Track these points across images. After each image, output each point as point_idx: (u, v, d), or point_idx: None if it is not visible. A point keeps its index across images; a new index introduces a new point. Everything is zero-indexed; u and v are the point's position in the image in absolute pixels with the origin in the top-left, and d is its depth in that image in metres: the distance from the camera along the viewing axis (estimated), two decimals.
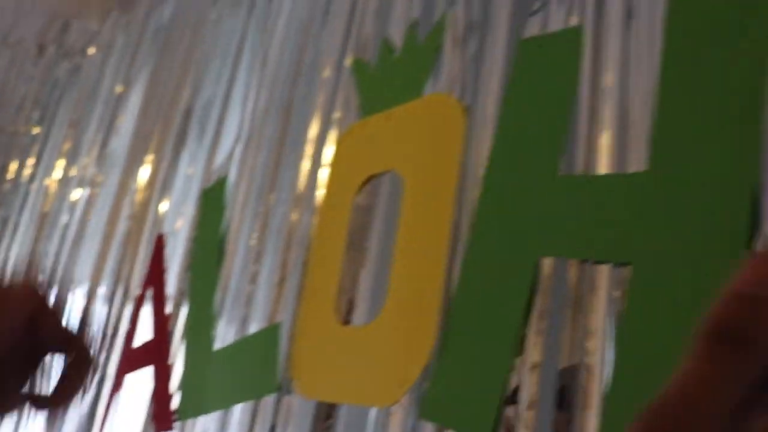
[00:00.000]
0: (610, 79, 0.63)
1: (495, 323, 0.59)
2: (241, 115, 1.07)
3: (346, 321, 0.74)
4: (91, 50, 1.88)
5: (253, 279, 0.89)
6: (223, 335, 0.88)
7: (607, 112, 0.62)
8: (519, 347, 0.58)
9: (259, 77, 1.06)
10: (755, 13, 0.51)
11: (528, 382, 0.57)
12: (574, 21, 0.67)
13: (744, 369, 0.20)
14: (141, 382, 1.00)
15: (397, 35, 0.84)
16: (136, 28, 1.71)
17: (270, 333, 0.81)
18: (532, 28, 0.70)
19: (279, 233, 0.88)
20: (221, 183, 1.02)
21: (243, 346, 0.85)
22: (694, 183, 0.50)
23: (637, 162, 0.57)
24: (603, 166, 0.60)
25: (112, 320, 1.16)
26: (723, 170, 0.49)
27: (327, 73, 0.91)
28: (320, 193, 0.84)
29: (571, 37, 0.63)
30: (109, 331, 1.15)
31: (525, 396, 0.57)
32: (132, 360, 1.05)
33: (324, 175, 0.84)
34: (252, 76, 1.09)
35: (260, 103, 1.04)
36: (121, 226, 1.26)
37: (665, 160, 0.52)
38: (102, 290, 1.25)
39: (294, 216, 0.87)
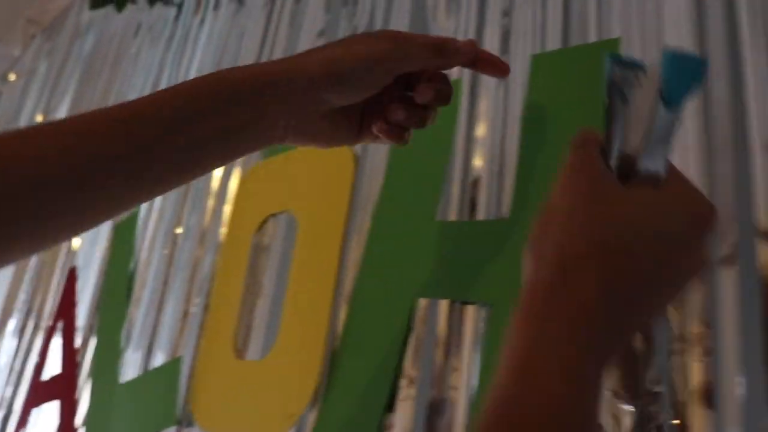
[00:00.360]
0: (482, 130, 0.68)
1: (376, 359, 0.63)
2: None
3: (243, 355, 0.77)
4: (12, 76, 1.86)
5: (159, 313, 0.91)
6: (129, 369, 0.90)
7: (479, 162, 0.67)
8: (397, 382, 0.62)
9: None
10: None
11: (402, 415, 0.61)
12: (454, 75, 0.73)
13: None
14: (47, 417, 1.00)
15: None
16: (59, 56, 1.71)
17: (171, 367, 0.83)
18: None
19: (185, 269, 0.90)
20: (132, 218, 1.04)
21: (146, 379, 0.87)
22: None
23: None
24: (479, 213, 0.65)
25: (21, 353, 1.16)
26: None
27: None
28: (224, 230, 0.87)
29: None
30: (18, 365, 1.14)
31: (398, 428, 0.61)
32: (39, 394, 1.05)
33: (227, 212, 0.87)
34: None
35: None
36: (34, 259, 1.26)
37: (523, 209, 0.57)
38: (12, 323, 1.24)
39: (199, 252, 0.89)
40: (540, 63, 0.60)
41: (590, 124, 0.40)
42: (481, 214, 0.62)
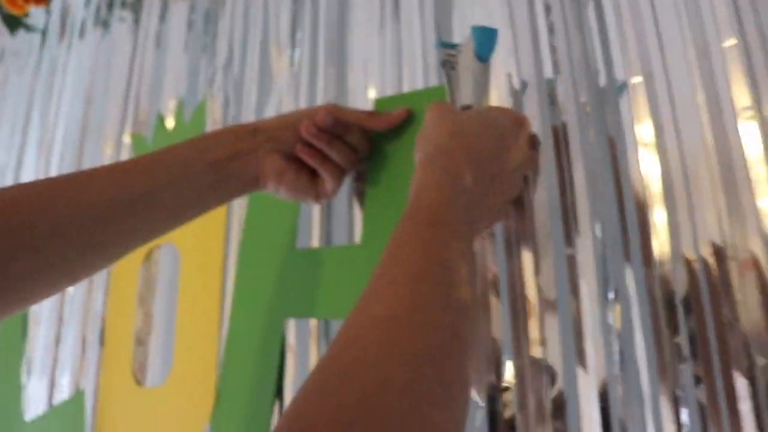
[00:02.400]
0: None
1: (258, 379, 0.69)
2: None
3: (143, 383, 0.81)
4: None
5: (57, 349, 0.93)
6: (32, 406, 0.92)
7: None
8: (277, 397, 0.68)
9: (48, 145, 1.10)
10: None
11: None
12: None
13: None
14: None
15: (169, 111, 0.92)
16: None
17: (75, 401, 0.87)
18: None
19: (78, 302, 0.93)
20: None
21: (51, 416, 0.90)
22: None
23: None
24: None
25: None
26: None
27: (109, 150, 0.97)
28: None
29: None
30: None
31: None
32: None
33: None
34: (42, 146, 1.12)
35: (51, 171, 1.07)
36: None
37: (373, 236, 0.65)
38: None
39: (90, 285, 0.92)
40: (382, 105, 0.67)
41: None
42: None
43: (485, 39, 0.55)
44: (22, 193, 0.48)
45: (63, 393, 0.91)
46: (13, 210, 0.46)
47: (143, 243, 0.55)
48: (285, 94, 0.80)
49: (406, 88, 0.70)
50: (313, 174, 0.61)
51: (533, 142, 0.57)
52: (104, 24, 1.11)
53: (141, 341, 0.83)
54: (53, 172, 1.07)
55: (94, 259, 0.51)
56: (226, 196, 0.59)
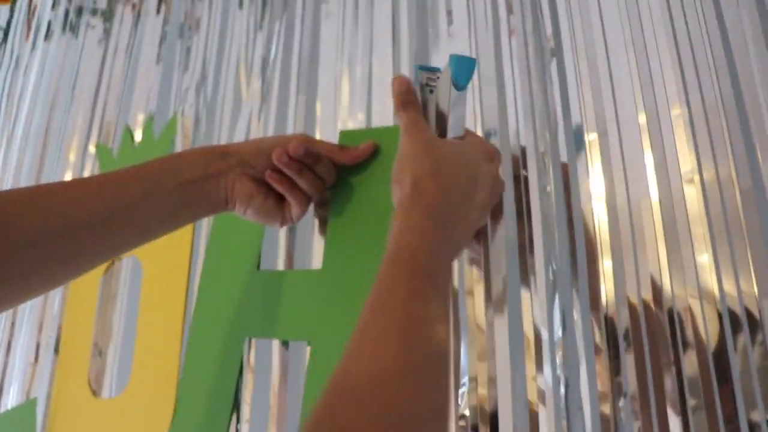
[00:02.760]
0: None
1: (215, 396, 0.71)
2: None
3: (98, 394, 0.82)
4: None
5: (8, 356, 0.93)
6: None
7: None
8: (235, 414, 0.70)
9: (5, 151, 1.09)
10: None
11: None
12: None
13: None
14: None
15: (137, 124, 0.93)
16: None
17: (27, 408, 0.87)
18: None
19: (33, 310, 0.93)
20: None
21: (1, 421, 0.89)
22: (358, 278, 0.66)
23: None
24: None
25: None
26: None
27: (73, 157, 0.97)
28: None
29: None
30: None
31: None
32: None
33: None
34: None
35: (6, 181, 1.06)
36: None
37: (335, 262, 0.67)
38: None
39: (47, 293, 0.92)
40: (346, 137, 0.70)
41: (386, 190, 0.54)
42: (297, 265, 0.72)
43: (463, 68, 0.56)
44: (2, 201, 0.49)
45: (11, 400, 0.90)
46: None
47: (112, 257, 0.57)
48: (255, 117, 0.82)
49: (375, 122, 0.74)
50: (280, 199, 0.64)
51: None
52: (72, 29, 1.11)
53: (98, 352, 0.84)
54: (10, 175, 1.06)
55: (65, 270, 0.53)
56: (195, 216, 0.62)
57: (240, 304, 0.72)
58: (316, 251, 0.72)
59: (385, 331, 0.40)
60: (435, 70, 0.61)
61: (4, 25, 1.25)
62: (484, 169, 0.55)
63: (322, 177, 0.65)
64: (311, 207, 0.69)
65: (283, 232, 0.74)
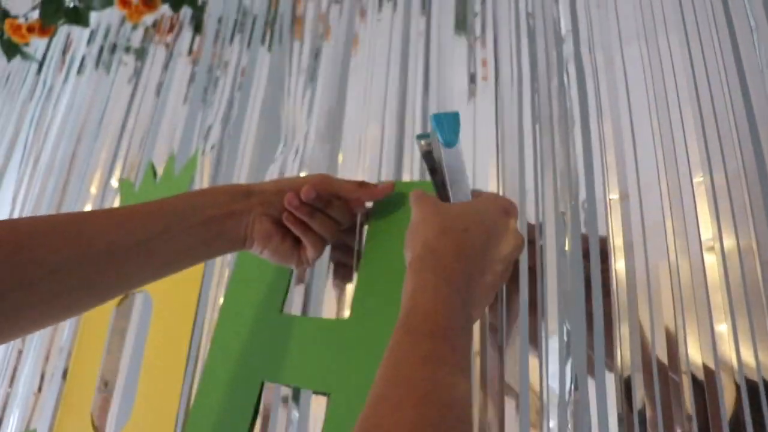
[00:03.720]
0: None
1: None
2: (10, 214, 1.10)
3: (100, 430, 0.81)
4: None
5: (12, 384, 0.92)
6: None
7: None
8: None
9: (30, 177, 1.10)
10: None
11: None
12: None
13: None
14: None
15: (161, 161, 0.94)
16: None
17: None
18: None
19: (40, 340, 0.92)
20: None
21: None
22: (385, 329, 0.64)
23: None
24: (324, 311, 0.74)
25: None
26: None
27: (94, 189, 0.98)
28: None
29: None
30: None
31: None
32: None
33: None
34: (24, 175, 1.12)
35: (27, 209, 1.08)
36: None
37: (363, 313, 0.66)
38: None
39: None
40: None
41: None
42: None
43: (446, 125, 0.54)
44: (25, 227, 0.49)
45: (11, 430, 0.89)
46: (16, 244, 0.48)
47: (132, 288, 0.57)
48: (278, 161, 0.83)
49: (403, 176, 0.74)
50: (297, 241, 0.64)
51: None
52: (105, 65, 1.14)
53: (104, 385, 0.83)
54: (31, 203, 1.08)
55: (85, 299, 0.53)
56: (214, 253, 0.62)
57: (258, 346, 0.71)
58: (326, 300, 0.71)
59: (402, 401, 0.39)
60: (429, 135, 0.60)
61: (40, 57, 1.28)
62: (501, 222, 0.54)
63: (335, 219, 0.65)
64: (328, 249, 0.69)
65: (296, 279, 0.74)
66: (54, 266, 0.49)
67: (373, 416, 0.38)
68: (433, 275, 0.47)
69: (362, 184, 0.65)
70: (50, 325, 0.54)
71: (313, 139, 0.83)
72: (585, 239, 0.62)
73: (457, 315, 0.46)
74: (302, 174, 0.82)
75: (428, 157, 0.59)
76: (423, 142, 0.59)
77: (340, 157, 0.80)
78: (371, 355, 0.63)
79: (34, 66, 1.28)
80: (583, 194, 0.64)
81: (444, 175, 0.56)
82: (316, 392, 0.67)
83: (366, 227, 0.71)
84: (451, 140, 0.54)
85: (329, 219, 0.65)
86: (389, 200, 0.70)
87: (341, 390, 0.63)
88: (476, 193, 0.59)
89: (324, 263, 0.73)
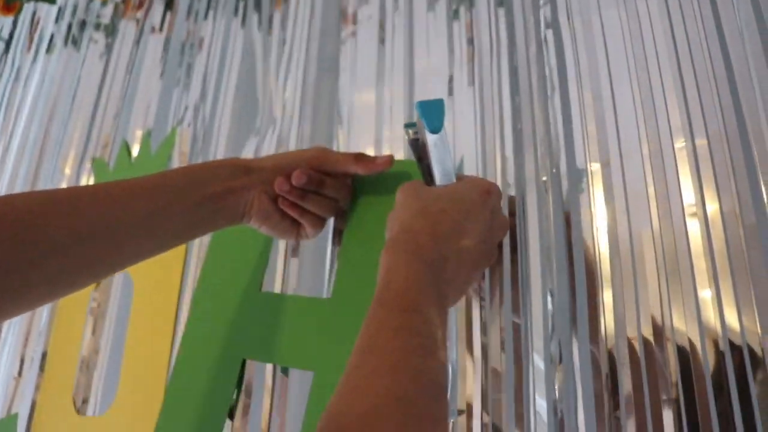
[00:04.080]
0: None
1: (205, 415, 0.69)
2: None
3: (83, 411, 0.80)
4: None
5: None
6: None
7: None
8: None
9: (0, 161, 1.08)
10: None
11: None
12: None
13: None
14: None
15: (135, 139, 0.92)
16: None
17: (8, 423, 0.85)
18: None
19: (18, 323, 0.91)
20: None
21: None
22: (366, 309, 0.64)
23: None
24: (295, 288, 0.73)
25: None
26: None
27: (68, 170, 0.96)
28: None
29: None
30: None
31: None
32: None
33: None
34: None
35: (2, 182, 1.06)
36: None
37: (345, 292, 0.65)
38: None
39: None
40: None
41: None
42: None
43: (431, 112, 0.55)
44: (22, 204, 0.48)
45: None
46: (14, 220, 0.46)
47: (130, 265, 0.55)
48: (256, 137, 0.82)
49: (383, 149, 0.73)
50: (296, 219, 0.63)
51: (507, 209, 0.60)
52: (74, 42, 1.11)
53: (85, 366, 0.82)
54: (3, 185, 1.05)
55: (86, 275, 0.52)
56: (213, 228, 0.61)
57: (239, 324, 0.70)
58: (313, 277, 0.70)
59: (375, 369, 0.39)
60: (415, 123, 0.61)
61: (6, 36, 1.25)
62: (480, 202, 0.54)
63: (331, 197, 0.65)
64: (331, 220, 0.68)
65: (281, 257, 0.73)
66: (54, 244, 0.47)
67: (348, 383, 0.39)
68: (406, 253, 0.48)
69: (359, 157, 0.64)
70: (51, 302, 0.53)
71: (291, 113, 0.82)
72: (567, 216, 0.61)
73: (430, 290, 0.46)
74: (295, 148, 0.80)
75: (415, 144, 0.60)
76: (410, 130, 0.60)
77: (323, 132, 0.79)
78: (353, 332, 0.62)
79: (1, 46, 1.25)
80: (563, 162, 0.63)
81: (429, 160, 0.58)
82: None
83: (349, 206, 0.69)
84: (436, 127, 0.55)
85: (325, 198, 0.64)
86: (371, 179, 0.68)
87: (326, 367, 0.63)
88: (460, 176, 0.59)
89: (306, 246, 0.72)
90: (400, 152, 0.73)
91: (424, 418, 0.38)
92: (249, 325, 0.70)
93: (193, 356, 0.71)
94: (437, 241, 0.50)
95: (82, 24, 1.12)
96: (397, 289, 0.46)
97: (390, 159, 0.64)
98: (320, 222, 0.64)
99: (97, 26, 1.09)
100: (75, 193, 0.51)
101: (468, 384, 0.59)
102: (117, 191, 0.53)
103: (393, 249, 0.49)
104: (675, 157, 0.58)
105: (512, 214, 0.64)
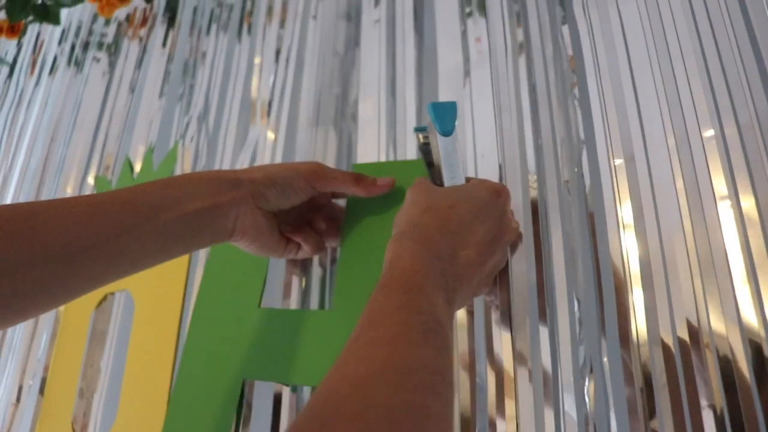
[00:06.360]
0: None
1: None
2: None
3: None
4: None
5: None
6: None
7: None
8: None
9: (5, 176, 1.06)
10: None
11: None
12: None
13: None
14: None
15: (138, 156, 0.90)
16: None
17: None
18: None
19: (18, 347, 0.88)
20: None
21: None
22: None
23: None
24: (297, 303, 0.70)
25: None
26: None
27: (70, 189, 0.94)
28: (62, 307, 0.86)
29: None
30: None
31: None
32: None
33: None
34: None
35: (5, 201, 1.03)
36: None
37: (346, 304, 0.62)
38: None
39: (34, 329, 0.88)
40: (358, 171, 0.66)
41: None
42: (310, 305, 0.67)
43: (443, 114, 0.55)
44: None
45: None
46: None
47: (95, 288, 0.49)
48: (260, 151, 0.79)
49: (387, 157, 0.70)
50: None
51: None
52: (77, 63, 1.10)
53: (84, 394, 0.78)
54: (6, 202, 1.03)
55: (41, 303, 0.45)
56: (195, 247, 0.54)
57: (239, 343, 0.66)
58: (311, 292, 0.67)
59: (374, 340, 0.37)
60: (426, 128, 0.60)
61: (10, 61, 1.24)
62: (490, 202, 0.53)
63: (331, 218, 0.64)
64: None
65: (281, 271, 0.70)
66: (3, 268, 0.41)
67: (345, 354, 0.37)
68: (413, 242, 0.47)
69: (359, 179, 0.61)
70: (12, 325, 0.49)
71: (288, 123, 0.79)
72: (592, 219, 0.58)
73: (434, 278, 0.44)
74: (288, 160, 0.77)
75: (425, 149, 0.60)
76: (421, 135, 0.59)
77: (323, 142, 0.76)
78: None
79: (5, 71, 1.24)
80: (585, 160, 0.60)
81: (440, 163, 0.57)
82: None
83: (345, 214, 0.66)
84: (448, 129, 0.55)
85: (325, 219, 0.64)
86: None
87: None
88: (469, 180, 0.58)
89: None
90: (409, 156, 0.70)
91: (423, 389, 0.34)
92: (249, 343, 0.66)
93: (192, 379, 0.67)
94: (445, 236, 0.49)
95: (86, 45, 1.11)
96: (401, 272, 0.44)
97: (391, 182, 0.61)
98: (321, 243, 0.63)
99: (100, 45, 1.08)
100: (33, 208, 0.44)
101: (490, 395, 0.55)
102: (80, 208, 0.46)
103: (399, 239, 0.48)
104: (704, 148, 0.54)
105: (535, 220, 0.60)
